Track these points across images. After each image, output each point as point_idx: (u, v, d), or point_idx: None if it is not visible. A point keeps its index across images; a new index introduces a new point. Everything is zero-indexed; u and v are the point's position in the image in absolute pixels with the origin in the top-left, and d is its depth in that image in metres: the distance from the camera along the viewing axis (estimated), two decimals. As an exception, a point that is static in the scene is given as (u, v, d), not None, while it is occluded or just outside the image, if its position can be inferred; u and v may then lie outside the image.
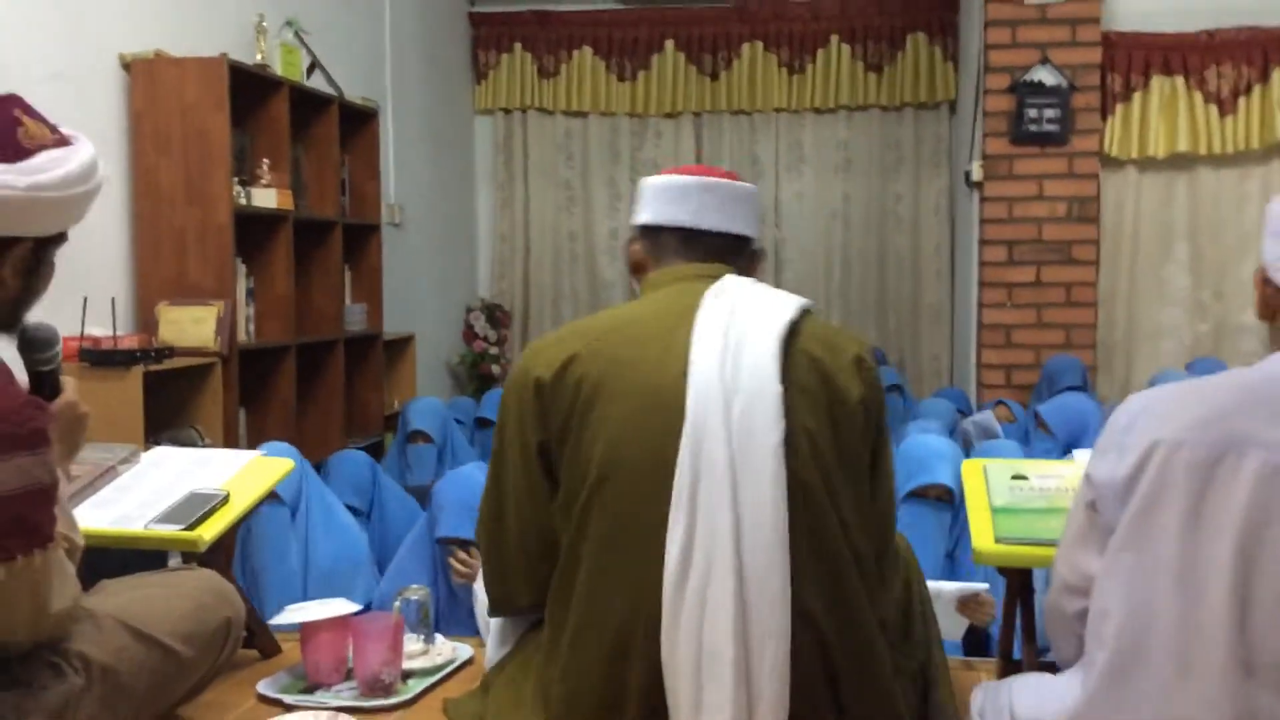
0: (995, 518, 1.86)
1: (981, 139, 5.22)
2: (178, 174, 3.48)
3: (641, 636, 1.46)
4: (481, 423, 4.70)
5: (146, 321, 3.46)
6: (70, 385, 1.66)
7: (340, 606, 1.96)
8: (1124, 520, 1.34)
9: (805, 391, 1.51)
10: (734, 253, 1.69)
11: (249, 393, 3.80)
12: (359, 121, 4.64)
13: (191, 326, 3.42)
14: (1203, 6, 5.21)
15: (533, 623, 1.66)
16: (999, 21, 5.10)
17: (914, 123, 6.45)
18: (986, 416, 4.34)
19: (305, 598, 2.59)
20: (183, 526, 1.94)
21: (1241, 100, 5.23)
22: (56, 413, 1.58)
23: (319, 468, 3.55)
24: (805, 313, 1.59)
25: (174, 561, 2.19)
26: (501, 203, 6.81)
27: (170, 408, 3.38)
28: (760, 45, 6.46)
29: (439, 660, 2.01)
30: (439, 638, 2.09)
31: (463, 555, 2.52)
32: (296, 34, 4.28)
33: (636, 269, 1.73)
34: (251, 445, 3.57)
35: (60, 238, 1.58)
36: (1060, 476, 1.97)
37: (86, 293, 3.12)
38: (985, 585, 2.45)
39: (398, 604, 2.08)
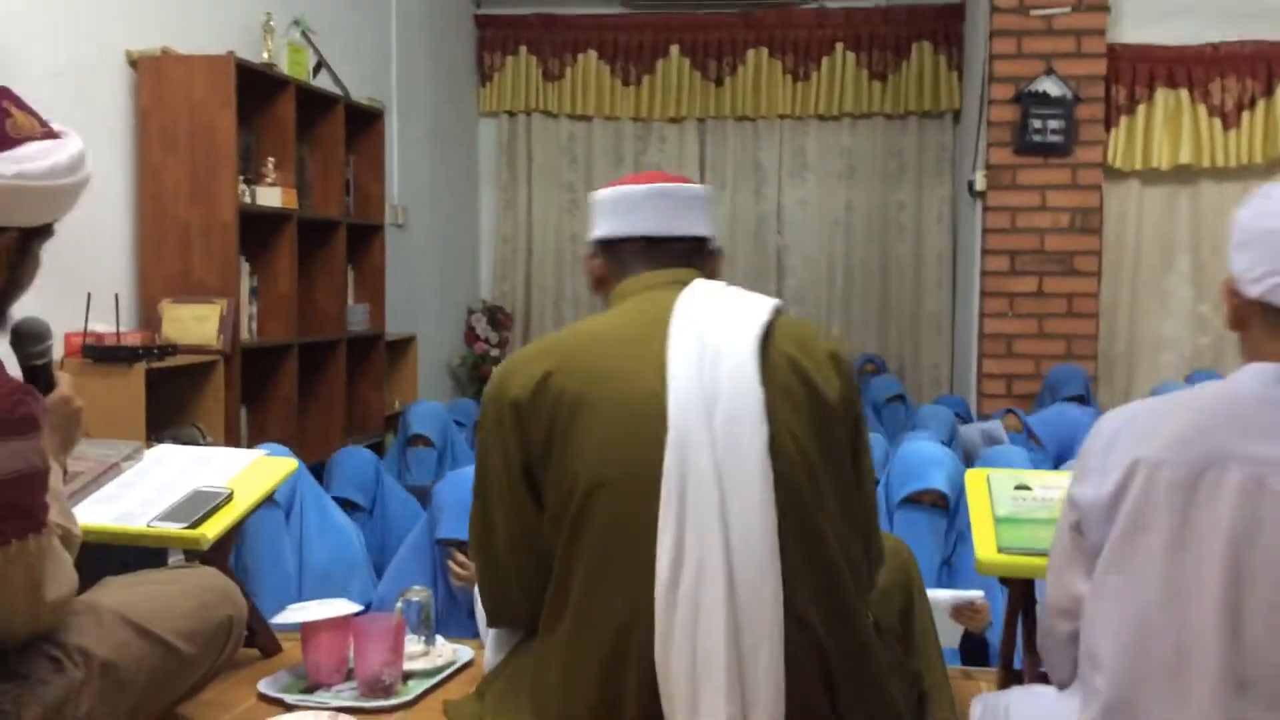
0: (998, 527, 1.86)
1: (985, 148, 5.23)
2: (183, 171, 3.48)
3: (636, 644, 1.46)
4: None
5: (150, 319, 3.46)
6: (65, 380, 1.66)
7: (342, 607, 1.96)
8: (1109, 542, 1.34)
9: (786, 393, 1.51)
10: (695, 254, 1.70)
11: (251, 391, 3.81)
12: (364, 121, 4.65)
13: (194, 324, 3.43)
14: (1208, 20, 5.22)
15: (529, 630, 1.66)
16: (1004, 32, 5.11)
17: (918, 131, 6.45)
18: (995, 426, 4.35)
19: (300, 599, 2.58)
20: (186, 524, 1.94)
21: (1245, 114, 5.25)
22: (50, 406, 1.59)
23: (321, 466, 3.55)
24: (777, 312, 1.59)
25: (174, 559, 2.19)
26: (504, 205, 6.82)
27: (172, 405, 3.38)
28: (765, 52, 6.47)
29: (439, 662, 2.01)
30: (440, 639, 2.09)
31: (461, 557, 2.52)
32: (303, 33, 4.29)
33: (599, 284, 1.73)
34: (252, 444, 3.58)
35: (46, 231, 1.56)
36: (1063, 487, 1.97)
37: (90, 289, 3.12)
38: (980, 593, 2.45)
39: (399, 605, 2.08)
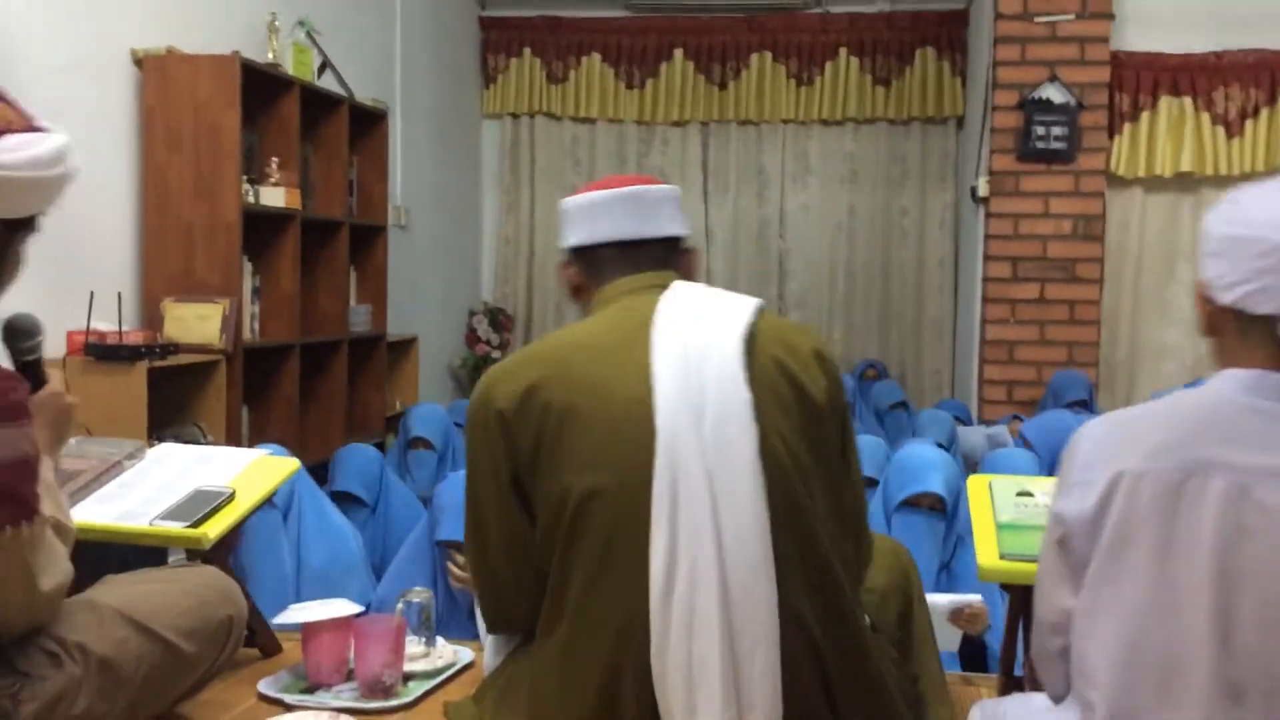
0: (1000, 534, 1.86)
1: (988, 155, 5.24)
2: (187, 171, 3.48)
3: (634, 649, 1.46)
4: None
5: (152, 317, 3.47)
6: (55, 377, 1.67)
7: (342, 607, 1.96)
8: (1096, 555, 1.33)
9: (774, 394, 1.51)
10: (671, 255, 1.70)
11: (252, 391, 3.81)
12: (368, 122, 4.65)
13: (196, 323, 3.43)
14: (1212, 28, 5.23)
15: (527, 634, 1.65)
16: (1008, 38, 5.11)
17: (921, 137, 6.46)
18: (1000, 430, 4.35)
19: (297, 600, 2.58)
20: (188, 523, 1.94)
21: (1249, 122, 5.25)
22: (42, 402, 1.59)
23: (321, 467, 3.55)
24: (759, 313, 1.58)
25: (175, 558, 2.19)
26: (507, 207, 6.82)
27: (173, 404, 3.38)
28: (769, 56, 6.47)
29: (440, 663, 2.01)
30: (440, 641, 2.09)
31: (461, 559, 2.52)
32: (308, 34, 4.29)
33: (577, 292, 1.72)
34: (253, 443, 3.58)
35: (30, 226, 1.56)
36: (1062, 495, 1.97)
37: (93, 287, 3.13)
38: (978, 596, 2.45)
39: (400, 606, 2.08)
